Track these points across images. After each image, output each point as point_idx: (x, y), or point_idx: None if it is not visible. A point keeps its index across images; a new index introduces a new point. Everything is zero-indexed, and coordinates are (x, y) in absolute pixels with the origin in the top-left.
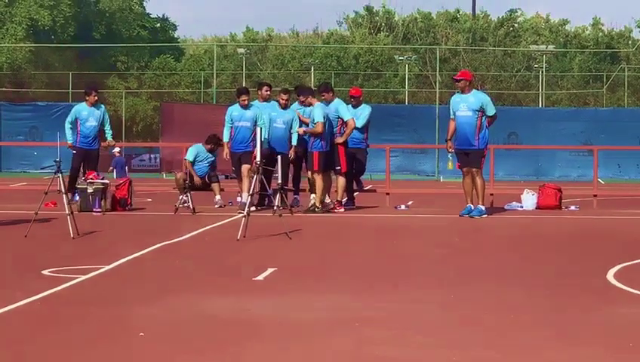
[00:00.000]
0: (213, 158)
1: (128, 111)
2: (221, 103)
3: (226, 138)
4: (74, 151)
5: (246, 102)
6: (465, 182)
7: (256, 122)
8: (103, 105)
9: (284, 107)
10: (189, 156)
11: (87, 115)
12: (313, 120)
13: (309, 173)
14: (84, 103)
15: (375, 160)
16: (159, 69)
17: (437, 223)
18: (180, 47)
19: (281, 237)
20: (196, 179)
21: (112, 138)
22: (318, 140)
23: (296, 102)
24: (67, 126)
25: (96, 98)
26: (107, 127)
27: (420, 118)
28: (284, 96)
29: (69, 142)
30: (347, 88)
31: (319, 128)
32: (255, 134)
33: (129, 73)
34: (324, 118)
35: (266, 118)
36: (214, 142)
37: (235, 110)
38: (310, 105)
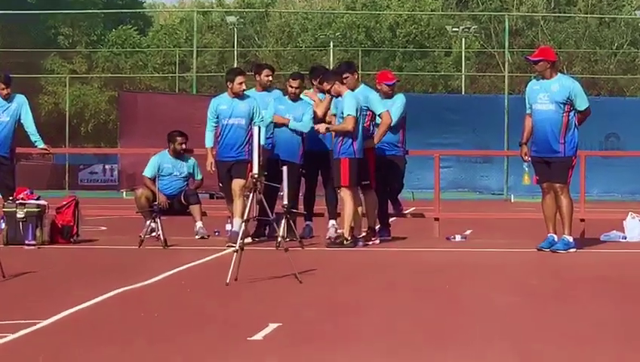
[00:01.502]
0: (189, 169)
1: (74, 104)
2: (203, 93)
3: (209, 142)
4: None
5: (243, 89)
6: (545, 203)
7: (252, 119)
8: (22, 96)
9: (294, 98)
10: (148, 171)
11: None
12: (342, 113)
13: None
14: None
15: (419, 172)
16: (117, 44)
17: (506, 260)
18: (147, 14)
19: (287, 281)
20: (160, 199)
21: (43, 141)
22: (349, 142)
23: (312, 90)
24: None
25: (6, 92)
26: (30, 128)
27: (482, 112)
28: (294, 83)
29: None
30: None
31: (349, 124)
32: (251, 136)
33: (75, 51)
34: (357, 111)
35: (269, 111)
36: (172, 140)
37: (222, 102)
38: (339, 94)
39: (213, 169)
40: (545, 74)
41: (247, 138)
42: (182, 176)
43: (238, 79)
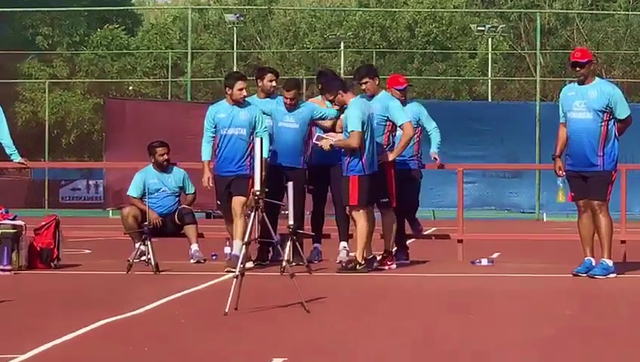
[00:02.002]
0: (178, 182)
1: (55, 113)
2: (199, 100)
3: (206, 155)
4: None
5: (243, 95)
6: (582, 223)
7: (254, 128)
8: None
9: (291, 109)
10: (132, 190)
11: None
12: (346, 127)
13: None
14: None
15: (440, 187)
16: (103, 46)
17: (538, 287)
18: (136, 12)
19: (293, 310)
20: (152, 216)
21: (20, 155)
22: (356, 159)
23: (320, 97)
24: None
25: None
26: (5, 139)
27: (511, 121)
28: (289, 95)
29: None
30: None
31: (354, 141)
32: (253, 148)
33: (55, 53)
34: (363, 123)
35: (271, 118)
36: (152, 152)
37: (221, 110)
38: (343, 104)
39: (211, 185)
40: (586, 78)
41: (249, 150)
42: (171, 192)
43: (238, 84)
